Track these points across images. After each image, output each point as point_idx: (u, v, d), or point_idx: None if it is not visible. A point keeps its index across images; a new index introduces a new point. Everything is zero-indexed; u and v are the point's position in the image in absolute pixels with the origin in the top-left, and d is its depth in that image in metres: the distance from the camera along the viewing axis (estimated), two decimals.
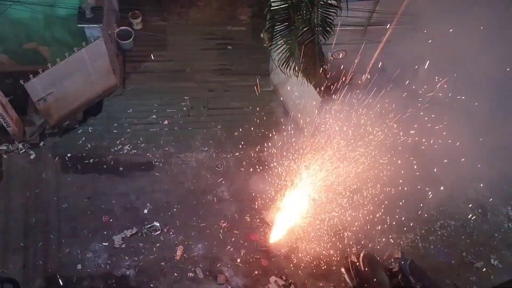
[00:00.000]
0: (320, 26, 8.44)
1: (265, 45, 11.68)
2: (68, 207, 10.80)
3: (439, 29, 10.06)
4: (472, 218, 11.51)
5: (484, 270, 10.93)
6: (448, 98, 10.70)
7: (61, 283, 9.29)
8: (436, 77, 10.51)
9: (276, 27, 8.84)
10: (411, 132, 10.46)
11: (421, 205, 11.25)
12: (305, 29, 8.39)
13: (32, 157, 11.30)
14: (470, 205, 11.63)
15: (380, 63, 11.81)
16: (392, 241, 10.98)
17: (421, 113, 10.52)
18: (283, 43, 8.77)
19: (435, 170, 10.79)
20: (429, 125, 10.61)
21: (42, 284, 9.90)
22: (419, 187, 10.95)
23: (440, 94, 10.43)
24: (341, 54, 11.82)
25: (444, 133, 10.45)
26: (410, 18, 10.68)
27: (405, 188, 10.66)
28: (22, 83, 9.93)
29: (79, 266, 10.17)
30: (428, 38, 10.40)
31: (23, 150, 11.33)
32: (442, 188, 11.04)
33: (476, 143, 10.41)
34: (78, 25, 10.32)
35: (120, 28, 12.44)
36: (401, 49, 11.03)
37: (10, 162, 11.16)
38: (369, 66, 11.77)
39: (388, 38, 11.13)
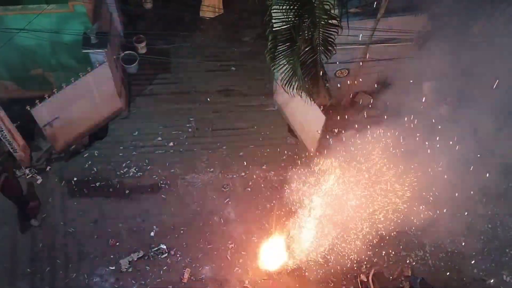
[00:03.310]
0: (321, 46, 8.50)
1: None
2: (74, 231, 10.78)
3: (442, 45, 10.11)
4: (482, 234, 11.35)
5: (496, 287, 10.73)
6: (452, 113, 10.65)
7: None
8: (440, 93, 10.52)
9: (278, 48, 8.91)
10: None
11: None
12: (307, 48, 8.45)
13: (38, 182, 11.35)
14: (479, 221, 11.47)
15: (383, 80, 11.92)
16: (401, 259, 10.84)
17: (425, 129, 10.48)
18: (285, 63, 8.83)
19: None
20: (438, 141, 10.55)
21: None
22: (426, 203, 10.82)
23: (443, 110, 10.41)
24: (344, 73, 11.89)
25: (449, 149, 10.38)
26: (412, 36, 10.78)
27: (414, 205, 10.56)
28: (29, 109, 10.05)
29: None
30: (432, 54, 10.45)
31: (29, 176, 11.38)
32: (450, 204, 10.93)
33: (484, 159, 10.32)
34: (83, 51, 10.47)
35: (125, 52, 12.61)
36: (404, 66, 11.12)
37: None
38: (371, 84, 11.86)
39: (390, 55, 11.25)
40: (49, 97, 10.27)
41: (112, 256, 10.53)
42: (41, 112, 10.40)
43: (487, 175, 10.43)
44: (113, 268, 10.41)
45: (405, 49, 11.09)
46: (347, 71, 11.81)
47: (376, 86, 11.99)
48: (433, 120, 10.34)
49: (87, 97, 11.16)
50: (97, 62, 10.71)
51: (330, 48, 8.62)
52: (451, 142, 10.28)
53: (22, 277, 10.14)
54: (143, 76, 13.06)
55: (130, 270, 10.40)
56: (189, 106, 12.72)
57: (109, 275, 10.33)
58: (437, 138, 10.48)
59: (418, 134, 10.27)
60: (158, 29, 13.52)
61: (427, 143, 10.32)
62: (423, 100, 10.81)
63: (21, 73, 11.60)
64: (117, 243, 10.70)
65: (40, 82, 11.72)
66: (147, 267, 10.48)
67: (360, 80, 11.92)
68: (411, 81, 10.67)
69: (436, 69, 10.58)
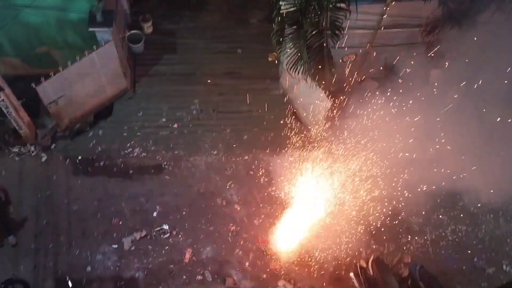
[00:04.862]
0: (329, 30, 8.41)
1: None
2: (78, 210, 10.89)
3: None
4: (484, 223, 11.36)
5: (496, 276, 10.77)
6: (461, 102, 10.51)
7: (71, 285, 9.39)
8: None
9: (285, 31, 8.83)
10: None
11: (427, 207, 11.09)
12: (313, 32, 8.37)
13: (43, 159, 11.43)
14: (481, 210, 11.47)
15: (391, 66, 11.79)
16: (402, 246, 10.89)
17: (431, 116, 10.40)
18: (291, 47, 8.76)
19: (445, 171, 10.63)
20: (441, 129, 10.47)
21: (52, 285, 10.00)
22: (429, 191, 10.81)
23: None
24: (351, 58, 11.76)
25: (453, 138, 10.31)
26: (422, 21, 10.63)
27: (416, 191, 10.56)
28: (34, 86, 10.05)
29: (88, 268, 10.25)
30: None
31: (34, 153, 11.47)
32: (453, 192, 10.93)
33: (489, 149, 10.25)
34: (89, 29, 10.42)
35: (131, 31, 12.54)
36: (413, 52, 10.98)
37: (22, 164, 11.30)
38: (379, 70, 11.73)
39: (399, 41, 11.12)
40: (54, 74, 10.27)
41: (115, 235, 10.66)
42: (46, 90, 10.41)
43: (491, 163, 10.38)
44: (116, 246, 10.54)
45: (414, 35, 10.94)
46: (354, 56, 11.67)
47: (383, 72, 11.88)
48: (439, 106, 10.27)
49: (93, 76, 11.14)
50: (102, 41, 10.66)
51: (337, 32, 8.55)
52: (455, 129, 10.21)
53: (26, 253, 10.29)
54: (149, 56, 12.99)
55: (132, 249, 10.53)
56: (194, 87, 12.67)
57: (111, 253, 10.47)
58: (443, 125, 10.42)
59: (424, 121, 10.23)
60: (165, 9, 13.40)
61: (431, 129, 10.28)
62: (431, 87, 10.72)
63: (27, 50, 11.57)
64: (120, 222, 10.81)
65: (46, 59, 11.69)
66: (149, 246, 10.59)
67: (367, 65, 11.81)
68: (419, 68, 10.57)
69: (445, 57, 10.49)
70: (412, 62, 10.52)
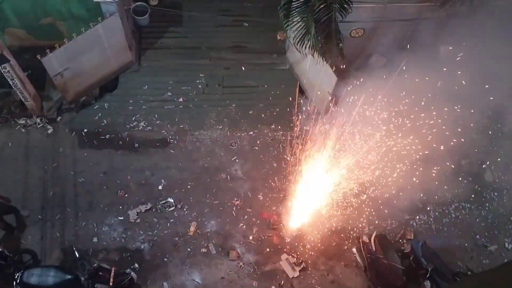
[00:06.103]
0: (337, 3, 8.23)
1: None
2: (84, 182, 11.00)
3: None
4: (488, 201, 11.37)
5: (497, 253, 10.84)
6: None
7: (77, 255, 9.55)
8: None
9: (292, 4, 8.66)
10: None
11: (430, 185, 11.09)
12: (321, 6, 8.19)
13: (49, 131, 11.49)
14: (486, 189, 11.47)
15: (400, 42, 11.62)
16: (404, 222, 10.95)
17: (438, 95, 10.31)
18: (299, 20, 8.59)
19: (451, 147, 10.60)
20: (445, 109, 10.38)
21: (59, 255, 10.18)
22: (434, 169, 10.80)
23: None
24: (359, 33, 11.57)
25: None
26: None
27: (420, 169, 10.56)
28: (39, 58, 10.01)
29: (95, 239, 10.42)
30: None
31: (40, 125, 11.52)
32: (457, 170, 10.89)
33: (492, 126, 10.19)
34: (94, 0, 10.28)
35: (136, 3, 12.36)
36: (422, 28, 10.78)
37: (28, 136, 11.36)
38: (387, 45, 11.56)
39: (408, 16, 10.91)
40: (59, 46, 10.20)
41: (120, 207, 10.79)
42: (52, 62, 10.37)
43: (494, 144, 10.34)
44: (122, 218, 10.68)
45: (424, 9, 10.73)
46: (362, 31, 11.48)
47: (391, 47, 11.70)
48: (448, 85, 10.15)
49: (98, 48, 11.07)
50: (107, 13, 10.54)
51: (346, 6, 8.38)
52: (457, 108, 10.15)
53: (33, 224, 10.45)
54: (154, 29, 12.85)
55: (138, 221, 10.67)
56: (199, 61, 12.56)
57: (117, 225, 10.62)
58: (449, 103, 10.35)
59: (437, 97, 10.14)
60: None
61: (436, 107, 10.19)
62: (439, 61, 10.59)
63: (32, 21, 11.47)
64: (126, 195, 10.92)
65: (51, 31, 11.59)
66: (154, 219, 10.72)
67: (376, 41, 11.64)
68: (428, 43, 10.41)
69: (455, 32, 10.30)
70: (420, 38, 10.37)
